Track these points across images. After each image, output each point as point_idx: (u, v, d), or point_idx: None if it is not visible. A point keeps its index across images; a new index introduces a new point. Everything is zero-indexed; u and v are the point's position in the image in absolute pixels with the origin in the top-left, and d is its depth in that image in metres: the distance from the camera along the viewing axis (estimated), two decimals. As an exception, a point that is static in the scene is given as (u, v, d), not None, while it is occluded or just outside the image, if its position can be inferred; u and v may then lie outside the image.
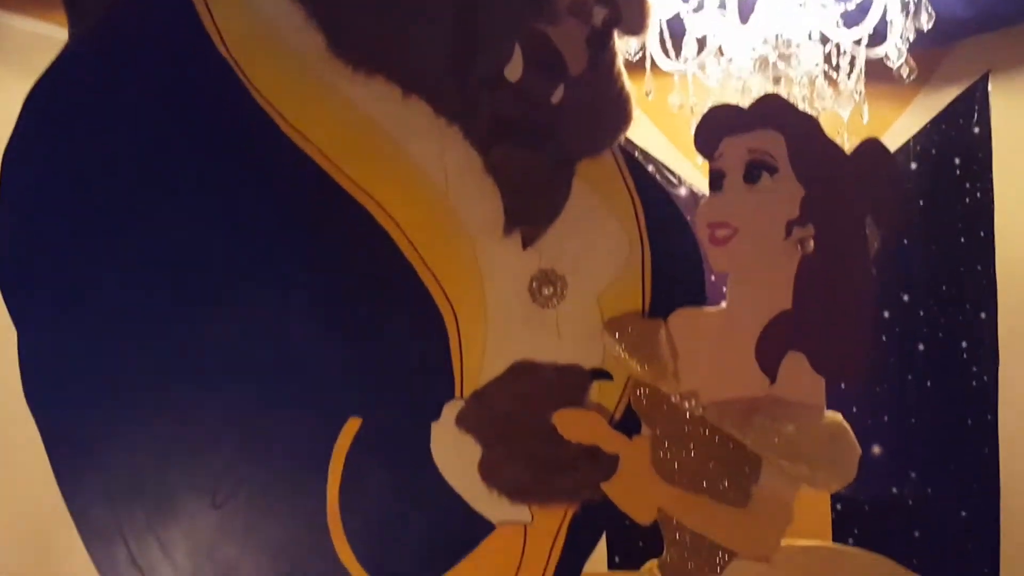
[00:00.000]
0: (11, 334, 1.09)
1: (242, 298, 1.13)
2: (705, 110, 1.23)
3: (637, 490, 1.19)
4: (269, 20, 1.13)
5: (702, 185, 2.20)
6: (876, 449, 2.99)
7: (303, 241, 1.14)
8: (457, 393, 1.18)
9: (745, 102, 1.22)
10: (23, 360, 1.09)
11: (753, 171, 1.14)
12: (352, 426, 1.15)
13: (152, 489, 1.12)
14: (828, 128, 1.19)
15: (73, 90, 1.11)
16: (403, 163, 1.15)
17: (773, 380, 1.16)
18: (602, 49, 1.16)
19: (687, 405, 1.17)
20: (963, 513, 2.96)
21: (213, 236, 1.11)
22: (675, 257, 1.23)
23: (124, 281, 1.10)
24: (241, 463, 1.14)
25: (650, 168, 2.86)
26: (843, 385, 1.26)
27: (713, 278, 1.28)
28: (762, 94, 1.25)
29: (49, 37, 1.96)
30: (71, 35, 1.16)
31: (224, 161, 1.11)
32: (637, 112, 1.21)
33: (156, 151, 1.10)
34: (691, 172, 2.73)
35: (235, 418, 1.13)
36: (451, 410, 1.17)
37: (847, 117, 1.99)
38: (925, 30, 1.94)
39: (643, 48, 2.01)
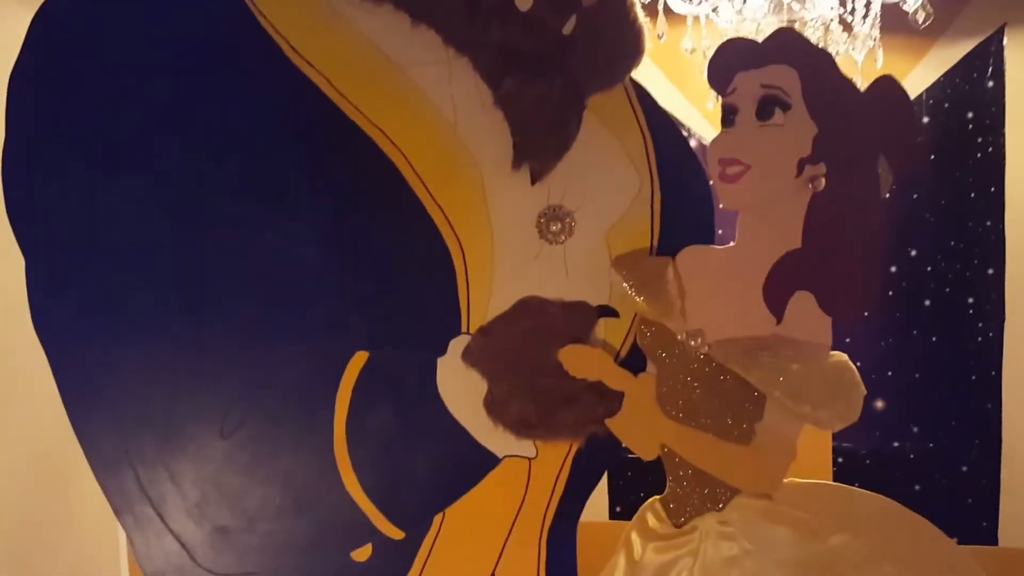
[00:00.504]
0: (19, 262, 1.09)
1: (249, 227, 1.12)
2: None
3: (641, 426, 1.19)
4: None
5: (709, 136, 2.18)
6: (879, 403, 3.00)
7: (309, 170, 1.13)
8: (463, 328, 1.17)
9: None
10: (31, 288, 1.09)
11: (766, 107, 1.12)
12: (359, 360, 1.15)
13: (160, 419, 1.13)
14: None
15: (77, 16, 1.10)
16: (410, 93, 1.13)
17: (780, 319, 1.15)
18: None
19: (693, 344, 1.16)
20: (964, 468, 2.98)
21: (219, 164, 1.10)
22: (685, 195, 1.22)
23: (132, 210, 1.10)
24: (248, 394, 1.14)
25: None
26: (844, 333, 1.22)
27: (720, 232, 1.27)
28: (780, 27, 1.20)
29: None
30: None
31: (231, 89, 1.10)
32: (645, 60, 1.18)
33: (162, 78, 1.09)
34: (700, 122, 2.70)
35: (242, 349, 1.13)
36: (457, 345, 1.17)
37: (861, 62, 1.96)
38: (943, -25, 1.89)
39: (655, -12, 1.97)
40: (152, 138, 1.08)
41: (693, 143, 2.70)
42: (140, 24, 1.10)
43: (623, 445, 1.21)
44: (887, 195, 1.17)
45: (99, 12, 1.09)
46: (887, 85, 1.14)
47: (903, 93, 1.15)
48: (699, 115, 2.70)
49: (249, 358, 1.14)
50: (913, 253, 3.05)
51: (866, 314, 1.20)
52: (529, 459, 1.20)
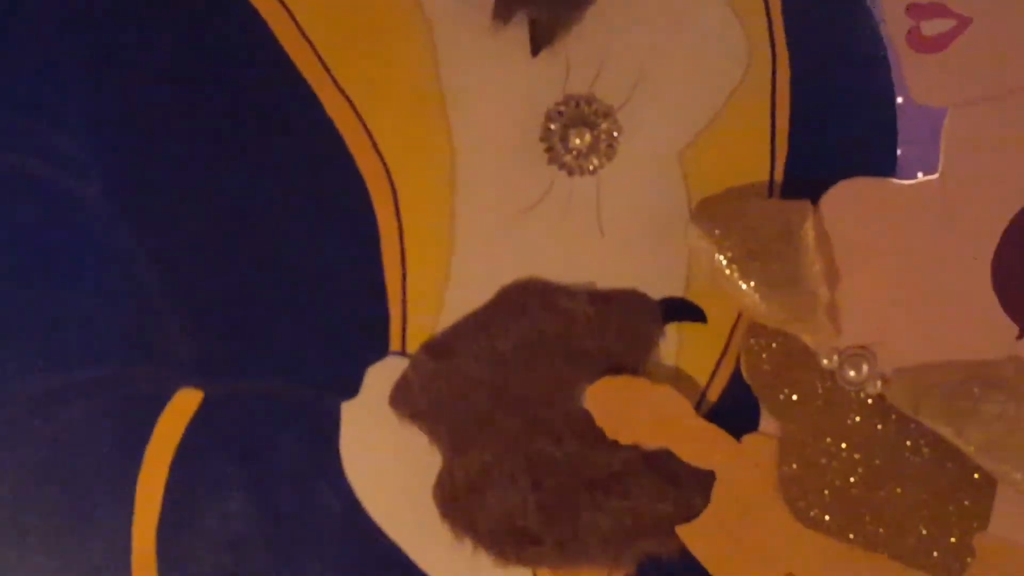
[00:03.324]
0: None
1: None
2: None
3: (748, 541, 0.92)
4: None
5: None
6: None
7: (85, 31, 0.88)
8: (394, 345, 0.91)
9: None
10: None
11: None
12: (183, 404, 0.89)
13: None
14: None
15: None
16: None
17: None
18: None
19: (853, 375, 0.89)
20: None
21: None
22: (839, 76, 0.97)
23: None
24: None
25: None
26: None
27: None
28: None
29: None
30: None
31: None
32: None
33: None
34: None
35: None
36: (381, 378, 0.90)
37: None
38: None
39: None
40: None
41: None
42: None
43: None
44: None
45: None
46: None
47: None
48: None
49: None
50: None
51: None
52: (524, 609, 1.06)
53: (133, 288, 0.91)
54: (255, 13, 0.91)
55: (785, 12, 0.96)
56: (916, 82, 0.90)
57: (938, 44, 0.87)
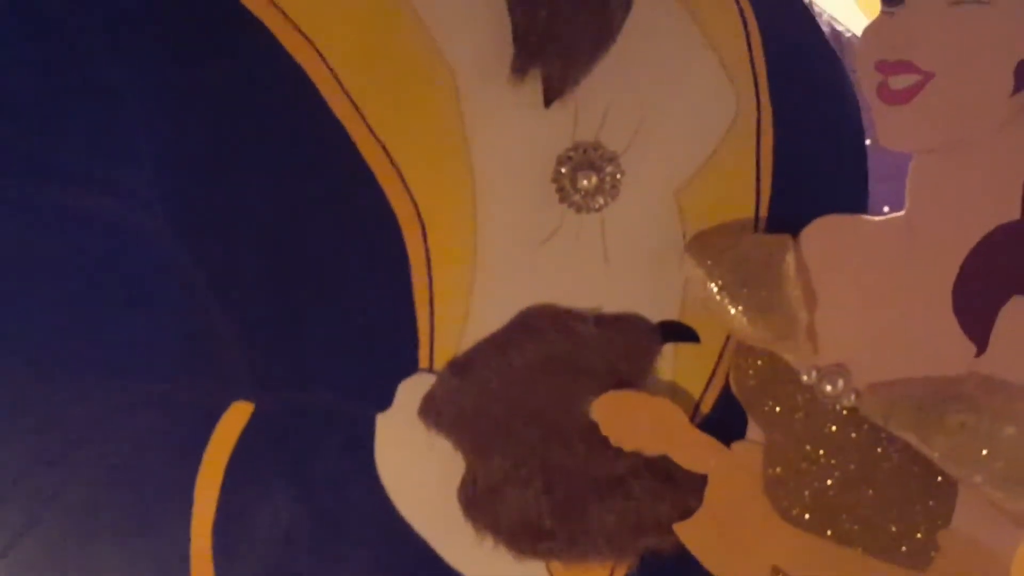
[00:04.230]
0: None
1: (39, 188, 0.93)
2: None
3: (737, 536, 1.00)
4: None
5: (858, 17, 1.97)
6: None
7: (148, 77, 0.93)
8: (421, 362, 0.98)
9: None
10: None
11: None
12: (236, 417, 0.96)
13: None
14: None
15: None
16: None
17: (983, 347, 0.95)
18: None
19: (830, 389, 0.97)
20: None
21: None
22: (817, 124, 1.06)
23: None
24: (35, 478, 0.95)
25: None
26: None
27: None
28: None
29: None
30: None
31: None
32: None
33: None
34: None
35: (20, 398, 0.94)
36: (411, 392, 0.98)
37: None
38: None
39: None
40: None
41: (825, 27, 2.45)
42: None
43: (704, 569, 1.03)
44: None
45: None
46: None
47: None
48: None
49: (35, 411, 0.95)
50: None
51: None
52: (538, 596, 1.12)
53: (192, 312, 0.97)
54: (298, 67, 0.96)
55: (769, 68, 1.04)
56: (884, 130, 0.98)
57: (904, 96, 0.95)
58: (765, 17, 1.09)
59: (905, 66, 0.95)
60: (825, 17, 2.31)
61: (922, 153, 0.98)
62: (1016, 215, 0.95)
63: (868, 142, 1.09)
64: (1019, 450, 0.92)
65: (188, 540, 0.97)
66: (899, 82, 0.95)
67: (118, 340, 0.98)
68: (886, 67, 0.95)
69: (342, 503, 1.01)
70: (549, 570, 1.02)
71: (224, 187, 0.98)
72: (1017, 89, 0.93)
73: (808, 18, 1.17)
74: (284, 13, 0.95)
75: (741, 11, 1.07)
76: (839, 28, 2.21)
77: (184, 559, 0.97)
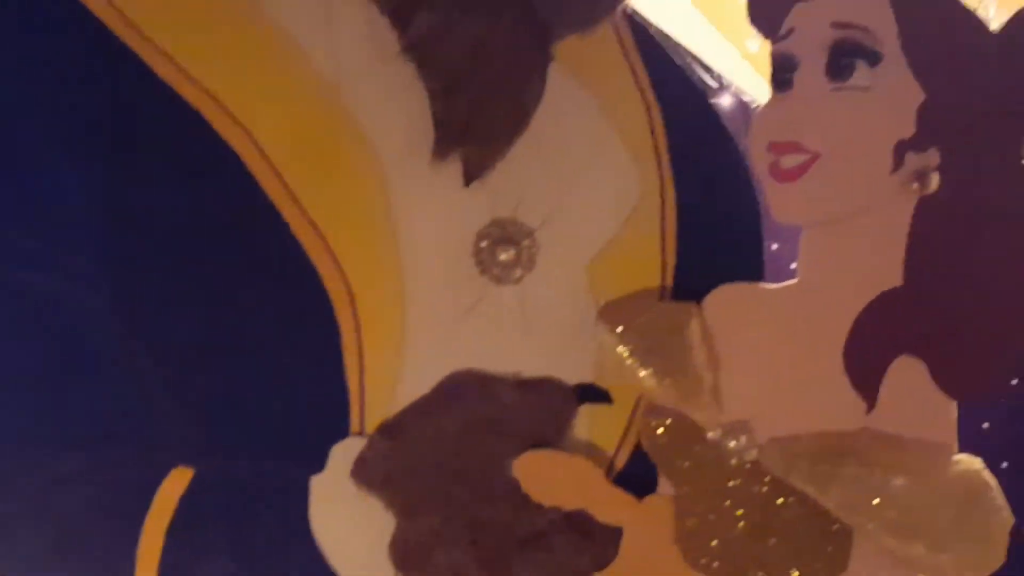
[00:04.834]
0: None
1: None
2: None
3: None
4: None
5: (759, 89, 2.06)
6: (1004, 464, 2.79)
7: (91, 169, 0.99)
8: (353, 427, 1.03)
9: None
10: None
11: (842, 60, 1.00)
12: (176, 482, 0.99)
13: None
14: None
15: None
16: (265, 39, 1.02)
17: (872, 404, 1.02)
18: None
19: (733, 445, 1.02)
20: None
21: None
22: (715, 200, 1.12)
23: None
24: None
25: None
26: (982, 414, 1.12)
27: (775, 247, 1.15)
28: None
29: None
30: None
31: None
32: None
33: None
34: (740, 66, 2.55)
35: None
36: (343, 454, 1.01)
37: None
38: None
39: None
40: None
41: (729, 99, 2.53)
42: None
43: None
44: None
45: None
46: (1034, 22, 1.15)
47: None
48: (739, 56, 2.52)
49: None
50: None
51: (1001, 391, 1.11)
52: (465, 651, 1.15)
53: (135, 385, 1.01)
54: (235, 155, 1.00)
55: (670, 152, 1.10)
56: (776, 206, 1.05)
57: (793, 175, 1.02)
58: (667, 106, 1.14)
59: (793, 146, 1.02)
60: (732, 89, 2.44)
61: (810, 227, 1.05)
62: (899, 282, 1.01)
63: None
64: (909, 499, 0.99)
65: None
66: (788, 161, 1.02)
67: (62, 412, 1.01)
68: (777, 147, 1.03)
69: (281, 563, 1.03)
70: None
71: (164, 266, 1.02)
72: (896, 167, 1.00)
73: (706, 106, 1.24)
74: (221, 104, 1.00)
75: (645, 100, 1.12)
76: (745, 99, 2.32)
77: None
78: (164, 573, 1.01)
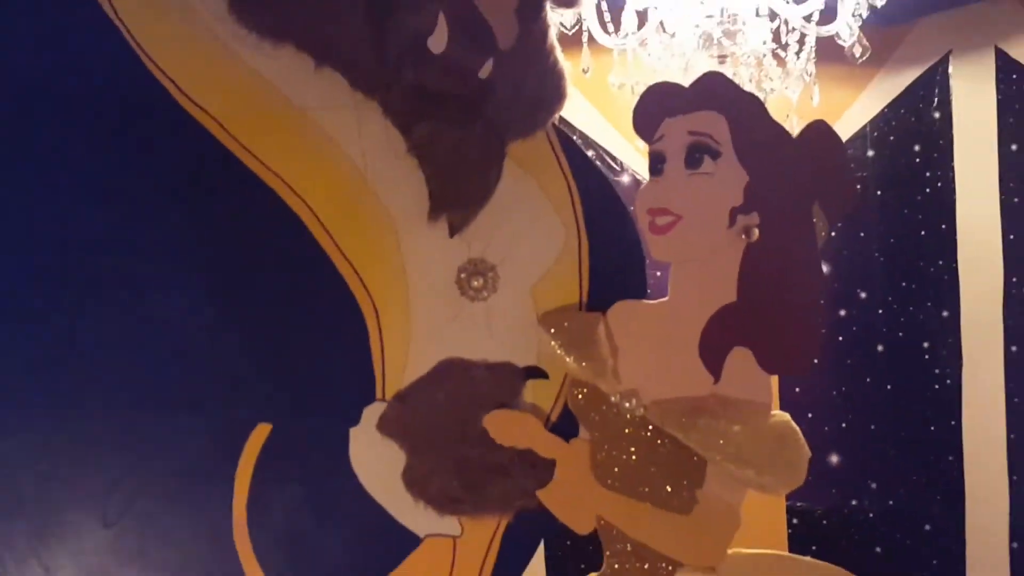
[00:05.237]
0: None
1: (130, 287, 1.15)
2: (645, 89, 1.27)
3: (575, 497, 1.23)
4: None
5: (645, 172, 2.26)
6: (834, 458, 3.09)
7: (200, 223, 1.16)
8: (378, 395, 1.21)
9: (688, 81, 1.28)
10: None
11: (695, 155, 1.19)
12: (260, 433, 1.18)
13: (34, 505, 1.13)
14: (777, 111, 1.25)
15: None
16: (315, 140, 1.17)
17: (718, 378, 1.21)
18: (534, 21, 1.20)
19: (627, 405, 1.21)
20: (927, 526, 3.07)
21: (97, 219, 1.13)
22: (614, 246, 1.28)
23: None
24: (134, 475, 1.15)
25: (590, 153, 2.92)
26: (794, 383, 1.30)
27: (658, 274, 1.33)
28: (705, 72, 1.29)
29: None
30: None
31: (110, 133, 1.13)
32: (575, 92, 1.25)
33: (38, 123, 1.12)
34: (633, 157, 2.78)
35: (126, 424, 1.14)
36: (372, 414, 1.20)
37: (796, 99, 2.08)
38: (879, 6, 2.04)
39: (580, 21, 2.06)
40: (22, 189, 1.11)
41: (627, 178, 2.81)
42: (16, 64, 1.13)
43: (556, 518, 1.25)
44: (823, 243, 1.25)
45: None
46: (819, 130, 1.23)
47: (836, 138, 1.25)
48: (633, 150, 2.78)
49: (135, 433, 1.15)
50: (863, 295, 3.17)
51: (804, 369, 1.28)
52: (454, 538, 1.24)
53: (232, 367, 1.18)
54: (295, 217, 1.18)
55: (584, 213, 1.27)
56: (654, 250, 1.23)
57: (664, 230, 1.20)
58: (581, 184, 1.28)
59: (664, 211, 1.20)
60: (629, 171, 2.77)
61: (676, 263, 1.24)
62: (734, 298, 1.20)
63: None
64: (743, 440, 1.18)
65: (231, 515, 1.18)
66: (661, 220, 1.20)
67: (181, 389, 1.17)
68: (653, 211, 1.21)
69: (332, 488, 1.20)
70: (460, 523, 1.24)
71: (248, 283, 1.18)
72: (731, 225, 1.19)
73: (608, 184, 1.35)
74: (287, 183, 1.17)
75: (567, 181, 1.27)
76: (639, 178, 2.69)
77: (229, 527, 1.18)
78: (253, 496, 1.17)
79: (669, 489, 1.22)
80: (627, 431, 1.22)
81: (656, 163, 1.22)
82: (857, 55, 2.04)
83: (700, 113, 1.20)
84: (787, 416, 1.23)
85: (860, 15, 2.05)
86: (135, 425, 1.14)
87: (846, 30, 1.99)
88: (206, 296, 1.15)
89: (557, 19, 1.26)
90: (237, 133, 1.15)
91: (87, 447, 1.14)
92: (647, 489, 1.22)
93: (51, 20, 1.13)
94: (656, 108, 1.22)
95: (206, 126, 1.15)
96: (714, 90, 1.21)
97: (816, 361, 1.28)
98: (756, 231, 1.20)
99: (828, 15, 2.11)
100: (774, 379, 1.26)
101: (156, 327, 1.15)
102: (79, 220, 1.13)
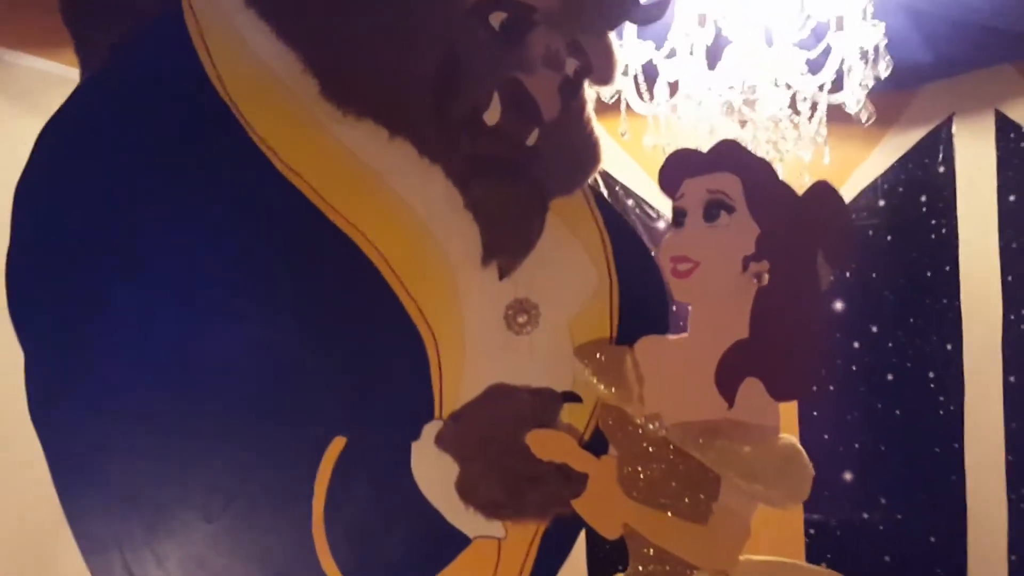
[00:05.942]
0: (16, 355, 1.14)
1: (238, 318, 1.17)
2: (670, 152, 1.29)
3: (604, 506, 1.23)
4: (266, 65, 1.18)
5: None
6: (848, 475, 3.05)
7: (295, 269, 1.19)
8: (436, 414, 1.22)
9: (713, 142, 1.30)
10: (29, 381, 1.14)
11: (712, 210, 1.21)
12: (337, 445, 1.19)
13: (148, 503, 1.16)
14: (791, 170, 1.26)
15: (83, 128, 1.17)
16: (388, 198, 1.20)
17: (731, 404, 1.21)
18: (573, 97, 1.22)
19: (651, 427, 1.22)
20: (932, 539, 3.02)
21: (211, 263, 1.16)
22: (640, 288, 1.29)
23: (123, 306, 1.15)
24: (232, 479, 1.18)
25: (631, 202, 2.95)
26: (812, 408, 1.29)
27: (674, 308, 1.34)
28: (722, 138, 1.31)
29: (56, 75, 2.09)
30: (82, 75, 1.23)
31: (223, 196, 1.17)
32: (618, 150, 1.28)
33: (159, 186, 1.15)
34: (668, 206, 2.81)
35: (227, 435, 1.17)
36: (430, 430, 1.21)
37: (809, 159, 2.08)
38: (882, 77, 2.04)
39: (618, 92, 2.10)
40: (146, 242, 1.15)
41: (662, 224, 2.83)
42: (139, 135, 1.17)
43: (588, 525, 1.25)
44: (826, 287, 1.26)
45: (100, 126, 1.16)
46: (823, 189, 1.24)
47: (837, 197, 1.26)
48: (669, 201, 2.81)
49: (235, 442, 1.17)
50: (874, 329, 3.15)
51: (807, 396, 1.27)
52: (499, 539, 1.24)
53: (319, 390, 1.18)
54: (370, 263, 1.18)
55: (615, 258, 1.29)
56: (676, 293, 1.25)
57: (685, 275, 1.22)
58: (613, 234, 1.31)
59: (684, 258, 1.22)
60: (665, 218, 2.74)
61: (695, 304, 1.25)
62: (746, 334, 1.21)
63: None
64: (753, 459, 1.18)
65: (310, 514, 1.18)
66: (682, 267, 1.22)
67: (272, 406, 1.17)
68: (675, 259, 1.22)
69: (395, 494, 1.20)
70: (504, 526, 1.23)
71: (330, 319, 1.18)
72: (744, 271, 1.21)
73: (634, 234, 1.37)
74: (362, 233, 1.18)
75: (600, 230, 1.30)
76: (665, 219, 2.66)
77: (308, 524, 1.18)
78: (329, 498, 1.18)
79: (687, 501, 1.22)
80: (651, 449, 1.23)
81: (678, 217, 1.24)
82: (864, 119, 2.04)
83: (717, 174, 1.21)
84: (793, 438, 1.23)
85: (866, 85, 2.05)
86: (235, 435, 1.17)
87: (851, 99, 2.00)
88: (299, 328, 1.17)
89: (594, 94, 1.29)
90: (325, 194, 1.18)
91: (194, 453, 1.16)
92: (668, 500, 1.22)
93: (171, 97, 1.18)
94: (678, 170, 1.24)
95: (300, 188, 1.17)
96: (729, 154, 1.24)
97: (816, 388, 1.28)
98: (766, 276, 1.21)
99: (839, 83, 2.12)
100: (794, 404, 1.24)
101: (258, 352, 1.17)
102: (197, 268, 1.17)
